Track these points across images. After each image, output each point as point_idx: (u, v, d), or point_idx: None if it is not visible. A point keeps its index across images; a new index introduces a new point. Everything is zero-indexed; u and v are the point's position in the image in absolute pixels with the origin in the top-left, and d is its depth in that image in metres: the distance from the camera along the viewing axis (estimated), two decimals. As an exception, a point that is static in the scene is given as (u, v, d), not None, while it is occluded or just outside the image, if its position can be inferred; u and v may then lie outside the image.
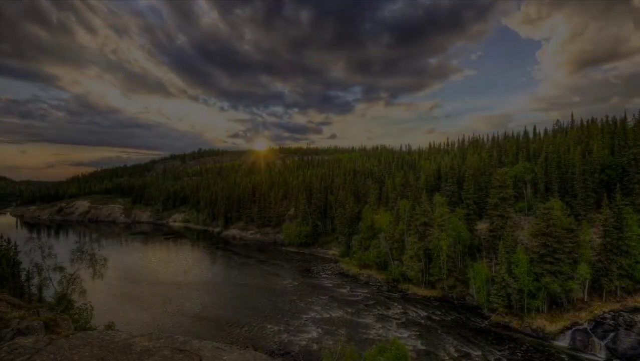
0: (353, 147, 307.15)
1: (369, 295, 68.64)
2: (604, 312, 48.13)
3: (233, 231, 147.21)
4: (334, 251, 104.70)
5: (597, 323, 47.01)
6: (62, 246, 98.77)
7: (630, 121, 77.40)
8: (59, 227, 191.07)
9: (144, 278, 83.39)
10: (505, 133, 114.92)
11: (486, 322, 54.98)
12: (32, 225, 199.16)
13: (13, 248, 47.22)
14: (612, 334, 44.97)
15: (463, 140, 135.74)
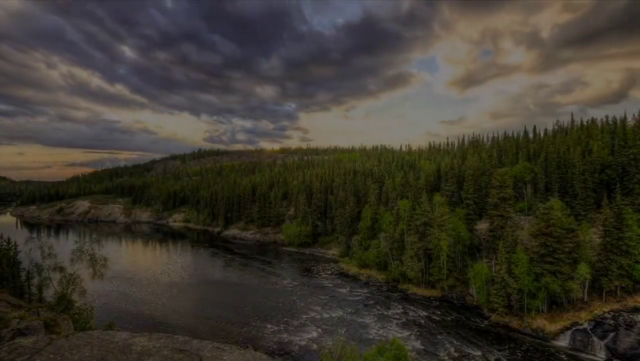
0: (353, 147, 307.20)
1: (369, 295, 68.63)
2: (604, 312, 48.11)
3: (233, 231, 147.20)
4: (334, 251, 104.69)
5: (597, 323, 47.00)
6: (62, 246, 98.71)
7: (630, 121, 77.41)
8: (59, 227, 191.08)
9: (144, 278, 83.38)
10: (505, 133, 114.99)
11: (486, 322, 54.98)
12: (32, 225, 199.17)
13: (13, 248, 47.20)
14: (612, 334, 44.95)
15: (463, 140, 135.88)
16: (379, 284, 75.11)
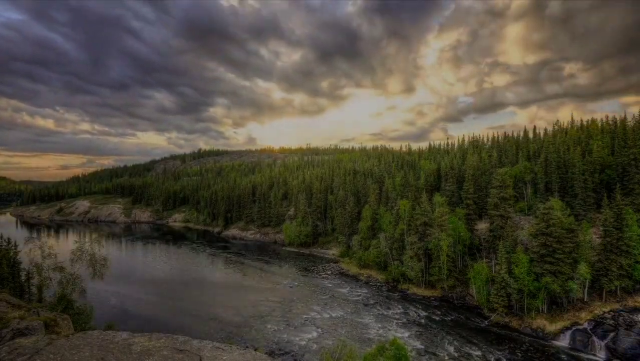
0: (353, 148, 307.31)
1: (369, 295, 68.63)
2: (604, 312, 48.10)
3: (233, 231, 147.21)
4: (334, 251, 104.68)
5: (597, 323, 47.00)
6: (62, 246, 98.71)
7: (630, 121, 77.38)
8: (59, 227, 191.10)
9: (144, 277, 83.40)
10: (505, 133, 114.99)
11: (486, 322, 54.99)
12: (32, 225, 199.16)
13: (13, 247, 47.23)
14: (612, 334, 44.95)
15: (463, 140, 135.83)
16: (379, 284, 75.12)
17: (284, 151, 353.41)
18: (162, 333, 10.84)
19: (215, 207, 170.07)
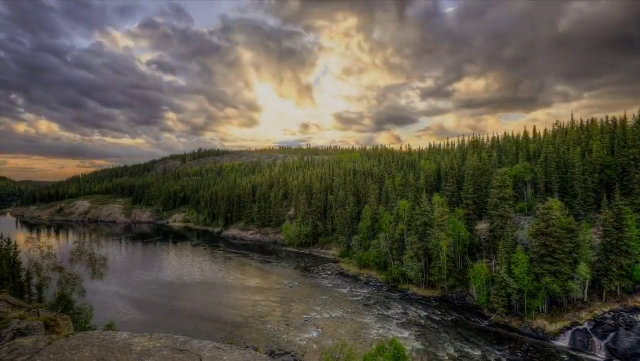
0: (353, 148, 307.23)
1: (368, 295, 68.64)
2: (604, 312, 48.12)
3: (233, 231, 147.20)
4: (334, 251, 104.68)
5: (597, 323, 47.02)
6: (62, 246, 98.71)
7: (630, 121, 77.36)
8: (58, 227, 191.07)
9: (144, 277, 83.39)
10: (505, 133, 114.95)
11: (486, 322, 54.99)
12: (32, 225, 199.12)
13: (13, 247, 47.22)
14: (612, 334, 44.96)
15: (463, 140, 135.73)
16: (378, 284, 75.12)
17: (284, 151, 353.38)
18: (162, 333, 10.84)
19: (215, 207, 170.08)
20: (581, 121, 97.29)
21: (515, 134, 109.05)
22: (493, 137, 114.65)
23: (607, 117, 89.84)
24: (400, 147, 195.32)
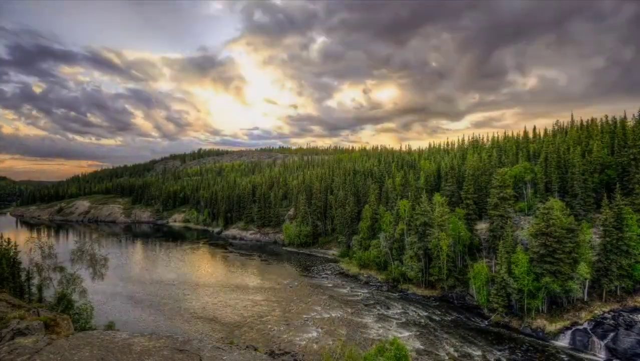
0: (353, 148, 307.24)
1: (368, 295, 68.64)
2: (604, 312, 48.08)
3: (233, 231, 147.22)
4: (334, 251, 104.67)
5: (597, 323, 47.00)
6: (62, 246, 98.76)
7: (630, 121, 77.33)
8: (59, 227, 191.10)
9: (144, 278, 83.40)
10: (504, 133, 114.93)
11: (486, 322, 54.99)
12: (32, 225, 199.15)
13: (13, 247, 47.23)
14: (612, 334, 44.95)
15: (463, 140, 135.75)
16: (379, 284, 75.11)
17: (284, 151, 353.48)
18: (162, 333, 10.84)
19: (215, 207, 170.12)
20: (581, 120, 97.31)
21: (515, 134, 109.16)
22: (493, 137, 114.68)
23: (606, 117, 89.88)
24: (400, 147, 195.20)
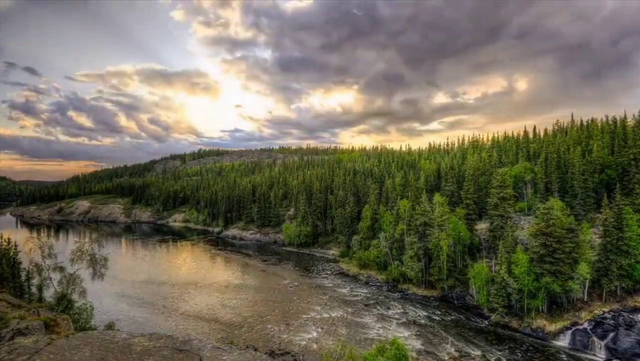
0: (353, 148, 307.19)
1: (369, 295, 68.64)
2: (604, 312, 48.08)
3: (233, 231, 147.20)
4: (334, 252, 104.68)
5: (597, 323, 46.99)
6: (62, 246, 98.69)
7: (630, 121, 77.36)
8: (59, 227, 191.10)
9: (144, 278, 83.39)
10: (505, 133, 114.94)
11: (486, 322, 54.99)
12: (32, 225, 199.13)
13: (13, 247, 47.23)
14: (612, 334, 44.94)
15: (463, 140, 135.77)
16: (379, 284, 75.11)
17: (284, 151, 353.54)
18: (162, 333, 10.84)
19: (215, 207, 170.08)
20: (581, 121, 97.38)
21: (515, 134, 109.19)
22: (493, 137, 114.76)
23: (607, 117, 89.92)
24: (401, 147, 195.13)
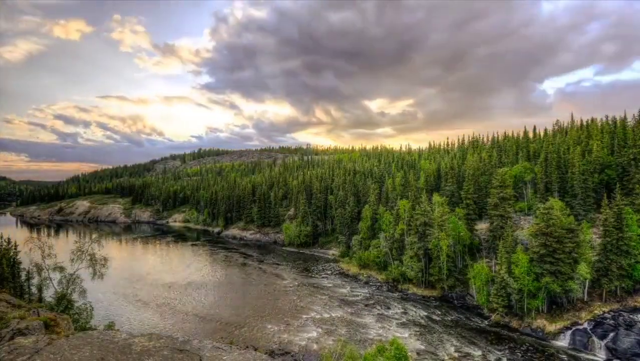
0: (353, 148, 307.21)
1: (368, 295, 68.64)
2: (604, 312, 48.06)
3: (233, 231, 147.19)
4: (334, 252, 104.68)
5: (597, 323, 46.98)
6: (62, 246, 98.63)
7: (630, 121, 77.36)
8: (59, 227, 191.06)
9: (144, 278, 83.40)
10: (505, 133, 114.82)
11: (486, 322, 54.99)
12: (32, 225, 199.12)
13: (13, 247, 47.24)
14: (612, 334, 44.92)
15: (463, 140, 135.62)
16: (379, 284, 75.12)
17: (283, 151, 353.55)
18: (162, 333, 10.83)
19: (215, 207, 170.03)
20: (581, 120, 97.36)
21: (515, 134, 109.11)
22: (493, 137, 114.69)
23: (606, 117, 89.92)
24: (401, 147, 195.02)
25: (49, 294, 37.47)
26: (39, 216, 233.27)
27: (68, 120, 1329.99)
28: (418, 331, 52.13)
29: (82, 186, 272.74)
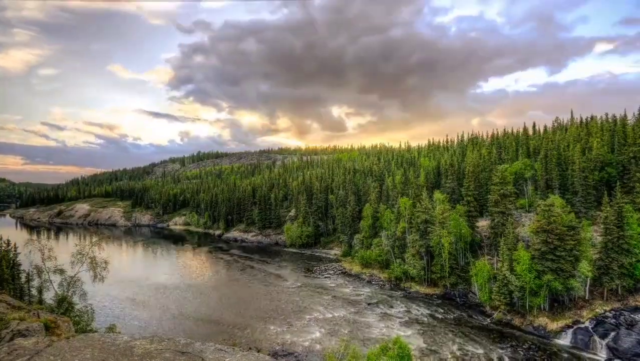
0: (352, 147, 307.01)
1: (371, 294, 68.53)
2: (606, 311, 47.90)
3: (234, 234, 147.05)
4: (336, 251, 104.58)
5: (599, 321, 46.83)
6: (62, 249, 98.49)
7: (630, 119, 77.33)
8: (58, 229, 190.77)
9: (146, 280, 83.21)
10: (504, 129, 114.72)
11: (488, 320, 54.88)
12: (32, 227, 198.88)
13: (13, 249, 47.14)
14: (613, 333, 44.75)
15: (462, 137, 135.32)
16: (381, 283, 75.02)
17: (283, 152, 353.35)
18: (164, 336, 10.71)
19: (216, 210, 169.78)
20: (581, 118, 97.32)
21: (514, 131, 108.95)
22: (493, 134, 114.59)
23: (606, 114, 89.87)
24: (400, 145, 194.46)
25: (49, 297, 37.34)
26: (38, 218, 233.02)
27: (53, 126, 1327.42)
28: (421, 329, 52.01)
29: (81, 189, 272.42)
